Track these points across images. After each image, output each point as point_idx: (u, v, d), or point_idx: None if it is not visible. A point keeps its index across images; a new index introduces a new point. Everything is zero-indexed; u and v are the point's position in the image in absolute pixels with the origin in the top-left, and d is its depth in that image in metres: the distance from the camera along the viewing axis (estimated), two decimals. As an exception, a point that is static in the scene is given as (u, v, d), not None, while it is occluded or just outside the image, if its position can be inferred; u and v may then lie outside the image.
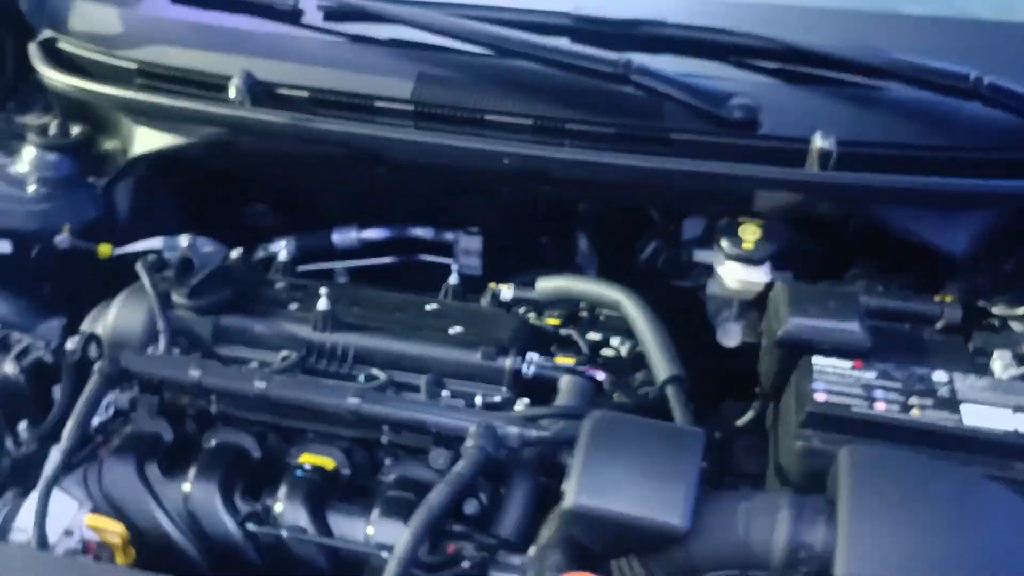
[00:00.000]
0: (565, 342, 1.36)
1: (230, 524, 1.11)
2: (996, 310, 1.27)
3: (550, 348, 1.33)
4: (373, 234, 1.70)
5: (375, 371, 1.24)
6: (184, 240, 1.46)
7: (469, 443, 1.08)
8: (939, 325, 1.25)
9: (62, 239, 1.49)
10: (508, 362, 1.23)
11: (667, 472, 0.97)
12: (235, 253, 1.44)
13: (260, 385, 1.16)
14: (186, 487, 1.14)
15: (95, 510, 1.13)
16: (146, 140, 1.53)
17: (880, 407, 1.09)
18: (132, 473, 1.14)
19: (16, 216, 1.50)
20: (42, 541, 1.07)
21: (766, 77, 1.35)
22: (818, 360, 1.15)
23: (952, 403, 1.09)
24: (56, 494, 1.13)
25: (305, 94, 1.41)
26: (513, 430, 1.10)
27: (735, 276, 1.33)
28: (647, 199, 1.46)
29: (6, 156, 1.60)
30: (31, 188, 1.53)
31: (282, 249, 1.55)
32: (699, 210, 1.41)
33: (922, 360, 1.15)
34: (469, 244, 1.71)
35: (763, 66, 1.36)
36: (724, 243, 1.32)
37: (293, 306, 1.33)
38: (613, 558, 1.01)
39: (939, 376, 1.13)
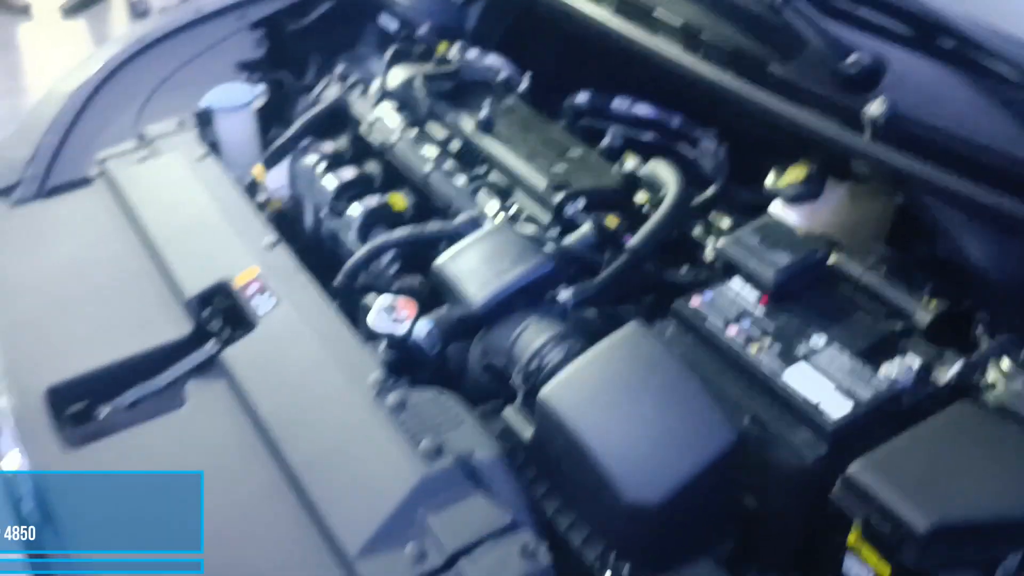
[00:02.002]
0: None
1: (325, 213, 1.63)
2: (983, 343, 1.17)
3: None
4: (643, 110, 1.97)
5: (483, 168, 1.62)
6: (457, 47, 1.92)
7: (455, 220, 1.44)
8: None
9: (421, 32, 2.07)
10: (559, 196, 1.50)
11: (498, 271, 1.24)
12: (502, 75, 1.88)
13: (390, 139, 1.64)
14: (328, 180, 1.67)
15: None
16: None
17: (730, 331, 1.18)
18: (310, 166, 1.72)
19: (406, 7, 2.11)
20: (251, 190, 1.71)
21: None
22: (735, 281, 1.25)
23: (794, 358, 1.14)
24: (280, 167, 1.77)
25: None
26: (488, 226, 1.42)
27: (774, 210, 1.40)
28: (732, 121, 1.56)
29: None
30: None
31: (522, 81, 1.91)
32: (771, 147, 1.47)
33: (826, 326, 1.18)
34: (708, 145, 1.90)
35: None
36: (769, 176, 1.39)
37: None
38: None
39: (817, 340, 1.16)
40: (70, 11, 4.63)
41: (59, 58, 4.09)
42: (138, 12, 4.54)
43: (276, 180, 1.76)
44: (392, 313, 1.25)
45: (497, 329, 1.23)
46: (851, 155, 1.29)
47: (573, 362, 1.12)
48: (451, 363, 1.34)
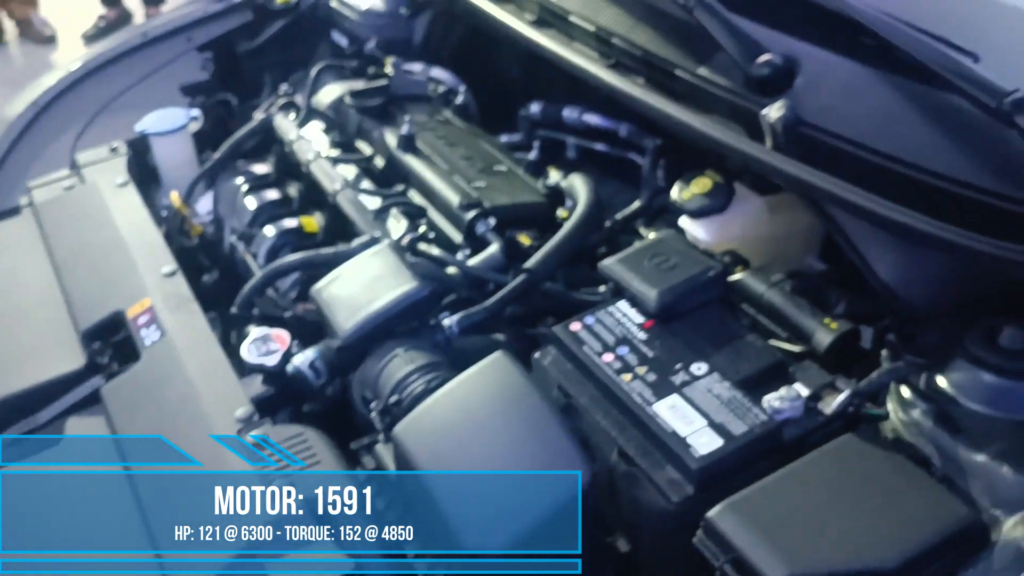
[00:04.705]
0: None
1: (240, 236, 1.59)
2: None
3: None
4: (593, 119, 1.89)
5: (401, 186, 1.56)
6: (408, 64, 1.86)
7: (352, 243, 1.38)
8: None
9: (369, 47, 2.02)
10: (470, 214, 1.43)
11: (370, 298, 1.19)
12: (439, 87, 1.83)
13: (307, 156, 1.60)
14: (248, 201, 1.64)
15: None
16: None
17: (606, 358, 1.10)
18: (234, 188, 1.69)
19: (355, 23, 2.06)
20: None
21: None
22: (621, 303, 1.16)
23: (669, 388, 1.05)
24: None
25: None
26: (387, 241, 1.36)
27: (684, 224, 1.31)
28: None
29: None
30: (371, 5, 2.07)
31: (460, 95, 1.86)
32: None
33: (711, 352, 1.09)
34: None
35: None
36: (674, 188, 1.30)
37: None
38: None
39: (698, 368, 1.07)
40: (92, 38, 4.73)
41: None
42: None
43: (208, 204, 1.73)
44: (264, 345, 1.20)
45: (370, 359, 1.17)
46: (750, 164, 1.19)
47: (432, 395, 1.06)
48: (349, 394, 1.29)
